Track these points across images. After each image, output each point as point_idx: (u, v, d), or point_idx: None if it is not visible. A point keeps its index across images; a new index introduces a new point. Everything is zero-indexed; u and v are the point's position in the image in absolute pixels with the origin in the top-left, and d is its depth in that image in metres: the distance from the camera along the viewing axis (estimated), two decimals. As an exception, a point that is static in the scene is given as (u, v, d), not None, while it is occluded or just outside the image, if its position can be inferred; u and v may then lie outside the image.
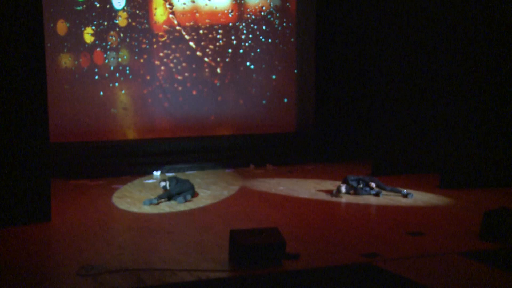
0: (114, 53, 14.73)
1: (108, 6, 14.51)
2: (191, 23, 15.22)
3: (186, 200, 11.15)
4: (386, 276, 7.31)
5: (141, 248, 8.46)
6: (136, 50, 14.87)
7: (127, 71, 14.86)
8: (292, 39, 16.19)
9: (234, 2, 15.50)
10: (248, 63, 15.81)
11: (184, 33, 15.18)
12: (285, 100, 16.26)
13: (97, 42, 14.56)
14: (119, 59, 14.80)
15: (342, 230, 9.39)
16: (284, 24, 16.03)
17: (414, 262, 7.78)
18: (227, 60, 15.63)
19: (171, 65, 15.19)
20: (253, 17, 15.70)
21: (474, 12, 12.23)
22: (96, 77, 14.64)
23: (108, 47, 14.66)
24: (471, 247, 8.36)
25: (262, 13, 15.77)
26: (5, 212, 9.32)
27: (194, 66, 15.40)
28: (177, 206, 10.88)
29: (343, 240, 8.79)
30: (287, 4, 16.05)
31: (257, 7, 15.71)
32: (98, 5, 14.41)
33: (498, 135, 12.42)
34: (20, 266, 7.66)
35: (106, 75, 14.69)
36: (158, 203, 11.02)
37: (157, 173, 13.94)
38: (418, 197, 11.58)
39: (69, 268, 7.51)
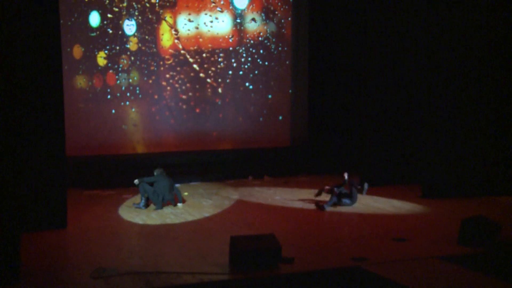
0: (125, 74, 14.76)
1: (120, 32, 14.56)
2: (195, 48, 15.26)
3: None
4: (374, 278, 7.30)
5: (149, 253, 8.45)
6: (145, 72, 14.89)
7: (137, 91, 14.88)
8: (287, 62, 16.23)
9: (234, 28, 15.56)
10: (247, 84, 15.84)
11: (188, 56, 15.22)
12: (280, 117, 16.27)
13: (109, 64, 14.59)
14: (130, 80, 14.82)
15: (333, 236, 9.39)
16: (280, 49, 16.08)
17: (398, 265, 7.77)
18: (227, 81, 15.65)
19: (177, 85, 15.21)
20: (251, 42, 15.75)
21: (455, 30, 12.30)
22: (109, 96, 14.65)
23: (120, 69, 14.68)
24: (450, 252, 8.36)
25: (260, 39, 15.82)
26: (26, 219, 9.28)
27: (197, 86, 15.41)
28: (181, 215, 10.87)
29: (334, 245, 8.78)
30: (283, 30, 16.11)
31: (255, 33, 15.76)
32: (110, 31, 14.45)
33: (475, 149, 12.45)
34: (38, 268, 7.64)
35: (118, 94, 14.71)
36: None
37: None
38: (402, 206, 11.58)
39: (83, 271, 7.50)
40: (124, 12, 14.54)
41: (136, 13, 14.63)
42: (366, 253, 8.25)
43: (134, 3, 14.57)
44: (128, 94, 14.78)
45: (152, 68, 14.92)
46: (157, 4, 14.78)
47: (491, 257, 8.18)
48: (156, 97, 15.06)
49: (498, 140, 12.57)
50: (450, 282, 7.16)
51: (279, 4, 15.90)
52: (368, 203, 11.81)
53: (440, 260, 7.97)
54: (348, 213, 11.07)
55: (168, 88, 15.15)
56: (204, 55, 15.33)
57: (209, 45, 15.38)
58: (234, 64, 15.63)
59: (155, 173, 11.66)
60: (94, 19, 14.32)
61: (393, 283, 7.09)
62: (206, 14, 15.21)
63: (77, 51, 14.28)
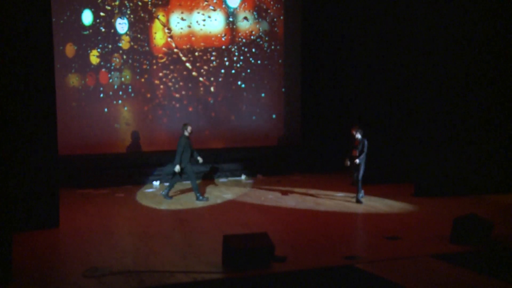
0: (118, 73, 14.72)
1: (112, 30, 14.52)
2: (188, 46, 15.24)
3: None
4: (366, 276, 7.32)
5: (142, 252, 8.43)
6: (138, 70, 14.86)
7: (130, 90, 14.85)
8: (279, 61, 16.24)
9: (226, 27, 15.54)
10: (239, 82, 15.83)
11: (181, 55, 15.19)
12: (274, 116, 16.28)
13: (102, 63, 14.55)
14: (122, 79, 14.78)
15: (326, 235, 9.39)
16: (273, 47, 16.08)
17: (391, 263, 7.79)
18: (220, 79, 15.64)
19: (170, 84, 15.19)
20: (244, 40, 15.74)
21: (450, 29, 12.34)
22: (101, 95, 14.61)
23: (112, 67, 14.64)
24: (442, 250, 8.39)
25: (252, 37, 15.82)
26: (18, 218, 9.26)
27: (190, 85, 15.40)
28: (174, 214, 10.86)
29: (326, 244, 8.80)
30: (275, 29, 16.11)
31: (247, 32, 15.76)
32: (103, 30, 14.41)
33: (467, 148, 12.51)
34: (31, 267, 7.61)
35: (110, 93, 14.67)
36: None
37: (156, 183, 13.94)
38: (394, 205, 11.61)
39: (76, 270, 7.48)
40: (117, 11, 14.50)
41: (128, 12, 14.59)
42: (359, 252, 8.27)
43: (126, 2, 14.54)
44: (120, 92, 14.75)
45: (144, 66, 14.88)
46: (149, 3, 14.74)
47: (483, 255, 8.21)
48: (148, 96, 15.03)
49: (490, 139, 12.63)
50: (443, 280, 7.18)
51: (271, 2, 15.90)
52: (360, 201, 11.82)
53: (433, 258, 8.00)
54: (341, 212, 11.09)
55: (161, 86, 15.12)
56: (196, 53, 15.31)
57: (202, 44, 15.36)
58: (227, 63, 15.61)
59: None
60: (87, 17, 14.27)
61: (385, 281, 7.11)
62: (198, 12, 15.20)
63: (70, 50, 14.24)
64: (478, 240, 8.61)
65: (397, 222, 10.18)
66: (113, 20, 14.49)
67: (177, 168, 11.80)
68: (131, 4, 14.59)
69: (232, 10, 15.52)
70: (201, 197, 12.01)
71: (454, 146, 12.46)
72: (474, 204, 11.45)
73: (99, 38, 14.40)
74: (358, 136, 11.75)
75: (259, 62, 15.95)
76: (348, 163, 11.82)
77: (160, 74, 15.08)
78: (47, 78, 9.47)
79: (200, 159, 12.11)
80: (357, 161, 11.59)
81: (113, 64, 14.62)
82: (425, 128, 12.55)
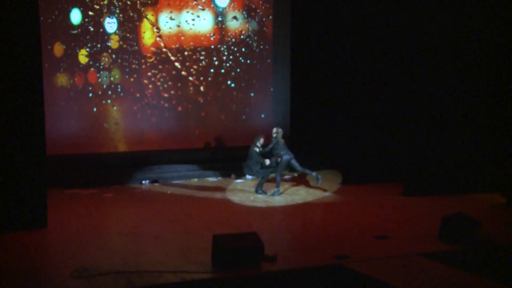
0: (107, 72, 14.62)
1: (101, 30, 14.41)
2: (177, 46, 15.17)
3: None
4: (357, 276, 7.28)
5: (131, 252, 8.35)
6: (127, 70, 14.76)
7: (119, 89, 14.75)
8: (268, 60, 16.19)
9: (215, 26, 15.48)
10: (228, 82, 15.77)
11: (170, 54, 15.12)
12: (262, 115, 16.23)
13: (91, 62, 14.44)
14: (111, 78, 14.68)
15: (315, 234, 9.36)
16: (261, 47, 16.03)
17: (381, 263, 7.77)
18: (209, 79, 15.57)
19: (158, 83, 15.10)
20: (233, 40, 15.68)
21: (437, 28, 12.37)
22: (90, 94, 14.50)
23: (101, 67, 14.54)
24: (431, 249, 8.38)
25: (242, 37, 15.77)
26: (4, 218, 9.16)
27: (179, 84, 15.32)
28: (163, 214, 10.79)
29: (316, 244, 8.76)
30: (264, 28, 16.07)
31: (236, 31, 15.70)
32: (92, 29, 14.31)
33: (455, 147, 12.54)
34: (18, 269, 7.51)
35: (99, 92, 14.56)
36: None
37: (145, 182, 13.86)
38: (383, 204, 11.60)
39: (64, 271, 7.39)
40: (105, 10, 14.40)
41: (117, 11, 14.50)
42: (348, 251, 8.23)
43: (115, 1, 14.44)
44: (109, 92, 14.65)
45: (133, 66, 14.79)
46: (138, 2, 14.65)
47: (472, 254, 8.21)
48: (138, 95, 14.94)
49: (478, 138, 12.66)
50: (433, 279, 7.17)
51: (260, 2, 15.86)
52: (350, 201, 11.81)
53: (422, 257, 7.98)
54: (330, 211, 11.06)
55: (150, 86, 15.03)
56: (185, 53, 15.24)
57: (191, 43, 15.28)
58: (216, 62, 15.55)
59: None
60: (75, 16, 14.16)
61: (375, 280, 7.08)
62: (187, 12, 15.12)
63: (58, 49, 14.12)
64: (467, 238, 8.61)
65: (386, 221, 10.16)
66: (102, 19, 14.39)
67: (268, 161, 12.31)
68: (120, 3, 14.49)
69: (221, 9, 15.46)
70: (276, 191, 12.36)
71: (443, 146, 12.48)
72: (463, 203, 11.46)
73: (87, 37, 14.29)
74: (274, 135, 12.48)
75: (248, 61, 15.91)
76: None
77: (149, 73, 14.99)
78: (35, 77, 9.36)
79: (267, 161, 12.33)
80: (267, 161, 12.27)
81: (102, 63, 14.52)
82: (414, 128, 12.57)
